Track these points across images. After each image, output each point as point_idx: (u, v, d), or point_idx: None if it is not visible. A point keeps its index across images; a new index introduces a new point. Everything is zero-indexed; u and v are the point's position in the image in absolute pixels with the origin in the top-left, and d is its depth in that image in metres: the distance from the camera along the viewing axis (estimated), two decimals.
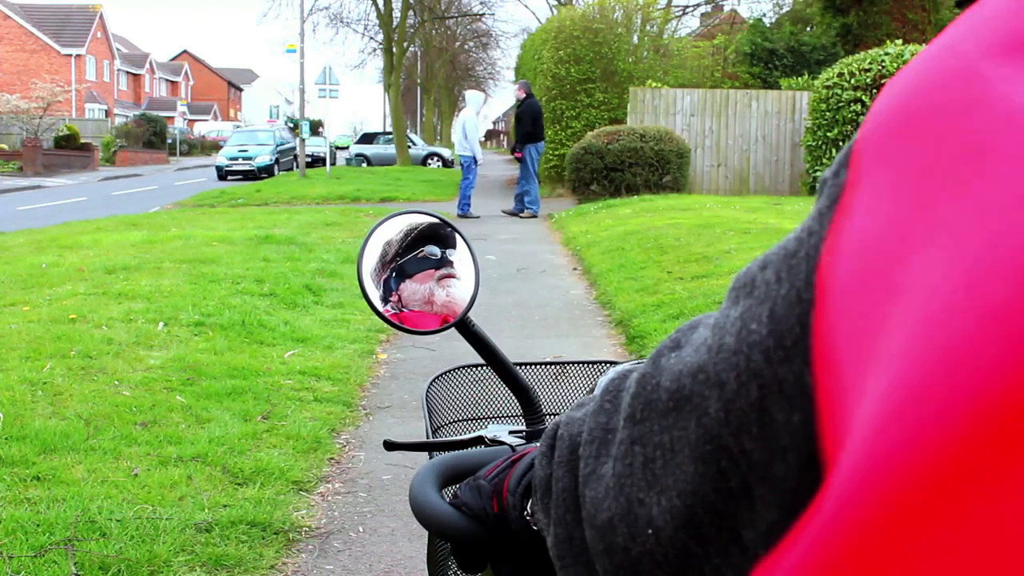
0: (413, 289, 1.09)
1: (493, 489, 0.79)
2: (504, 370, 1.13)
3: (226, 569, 3.11)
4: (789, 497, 0.42)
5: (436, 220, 1.11)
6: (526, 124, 14.75)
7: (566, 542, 0.57)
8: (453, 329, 1.10)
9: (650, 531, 0.48)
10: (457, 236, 1.11)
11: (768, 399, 0.42)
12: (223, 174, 30.65)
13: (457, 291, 1.10)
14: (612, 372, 0.63)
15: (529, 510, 0.74)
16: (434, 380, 1.28)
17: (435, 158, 38.25)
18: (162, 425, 4.36)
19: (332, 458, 4.22)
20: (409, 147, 35.66)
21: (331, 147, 29.56)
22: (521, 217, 14.96)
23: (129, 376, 5.07)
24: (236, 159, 31.20)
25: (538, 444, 0.72)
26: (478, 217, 14.78)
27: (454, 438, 1.10)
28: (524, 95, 14.98)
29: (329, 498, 3.79)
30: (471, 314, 1.10)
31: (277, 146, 32.50)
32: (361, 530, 3.50)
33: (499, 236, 12.30)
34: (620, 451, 0.51)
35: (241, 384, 5.02)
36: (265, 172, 30.68)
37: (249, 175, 30.34)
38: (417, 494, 0.82)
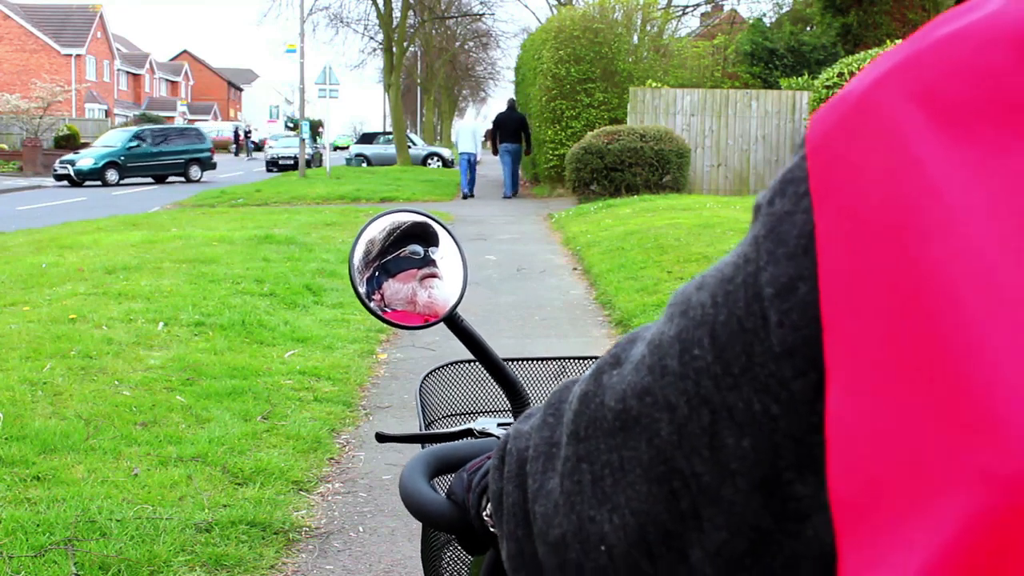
0: (396, 288, 1.09)
1: (470, 482, 0.80)
2: (492, 365, 1.14)
3: (226, 569, 3.11)
4: (737, 519, 0.43)
5: (421, 219, 1.11)
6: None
7: (518, 556, 0.57)
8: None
9: (603, 548, 0.49)
10: (442, 234, 1.11)
11: (719, 424, 0.43)
12: (58, 175, 26.95)
13: (439, 291, 1.10)
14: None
15: (487, 511, 0.75)
16: (428, 375, 1.29)
17: (435, 158, 38.18)
18: (162, 425, 4.36)
19: (332, 458, 4.22)
20: (409, 147, 35.65)
21: (312, 149, 27.97)
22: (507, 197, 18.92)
23: (129, 376, 5.07)
24: (72, 162, 27.09)
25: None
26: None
27: (444, 430, 1.10)
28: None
29: (329, 498, 3.79)
30: (461, 311, 1.11)
31: (126, 148, 27.80)
32: (361, 530, 3.50)
33: (499, 236, 12.30)
34: (567, 468, 0.52)
35: (241, 384, 5.02)
36: (87, 177, 26.68)
37: (67, 178, 26.67)
38: (406, 483, 0.83)
